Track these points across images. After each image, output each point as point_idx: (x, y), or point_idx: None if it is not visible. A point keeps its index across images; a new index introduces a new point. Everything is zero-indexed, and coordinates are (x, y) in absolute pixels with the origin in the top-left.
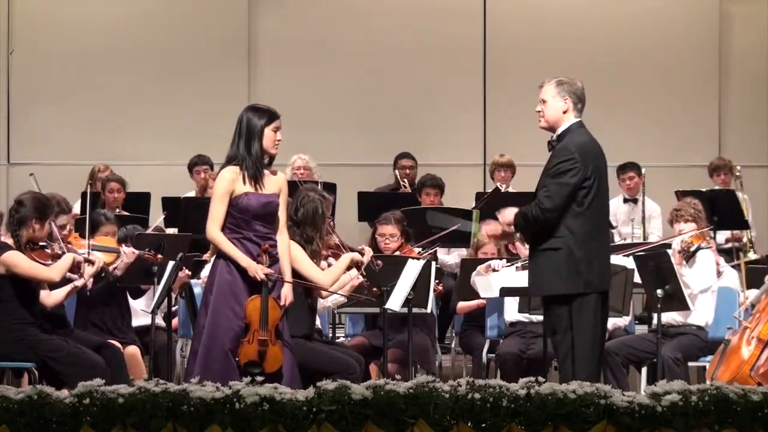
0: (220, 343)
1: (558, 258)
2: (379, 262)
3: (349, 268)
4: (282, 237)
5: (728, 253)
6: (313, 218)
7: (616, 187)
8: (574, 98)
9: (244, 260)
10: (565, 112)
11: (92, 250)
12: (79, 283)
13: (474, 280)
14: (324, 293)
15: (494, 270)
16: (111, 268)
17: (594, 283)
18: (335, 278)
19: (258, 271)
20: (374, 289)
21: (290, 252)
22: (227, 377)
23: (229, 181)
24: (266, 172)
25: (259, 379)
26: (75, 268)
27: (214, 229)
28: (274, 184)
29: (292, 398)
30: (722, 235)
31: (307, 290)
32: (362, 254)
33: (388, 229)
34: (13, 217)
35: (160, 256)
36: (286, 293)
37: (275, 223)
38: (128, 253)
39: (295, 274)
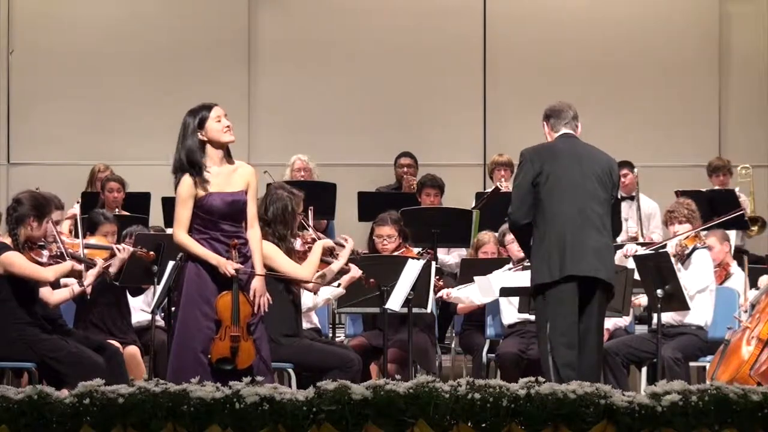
0: (191, 347)
1: (532, 253)
2: (359, 249)
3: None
4: (253, 230)
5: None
6: (284, 216)
7: None
8: (546, 120)
9: (214, 258)
10: (548, 133)
11: (85, 248)
12: (77, 288)
13: (464, 290)
14: (311, 286)
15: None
16: (105, 264)
17: (559, 269)
18: (314, 269)
19: (228, 266)
20: (371, 280)
21: (264, 248)
22: (200, 380)
23: (190, 185)
24: (232, 167)
25: (259, 378)
26: (76, 274)
27: (180, 232)
28: (241, 179)
29: (292, 398)
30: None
31: (287, 287)
32: (345, 245)
33: (386, 230)
34: (11, 215)
35: (152, 253)
36: (256, 286)
37: (243, 221)
38: (123, 249)
39: (274, 271)
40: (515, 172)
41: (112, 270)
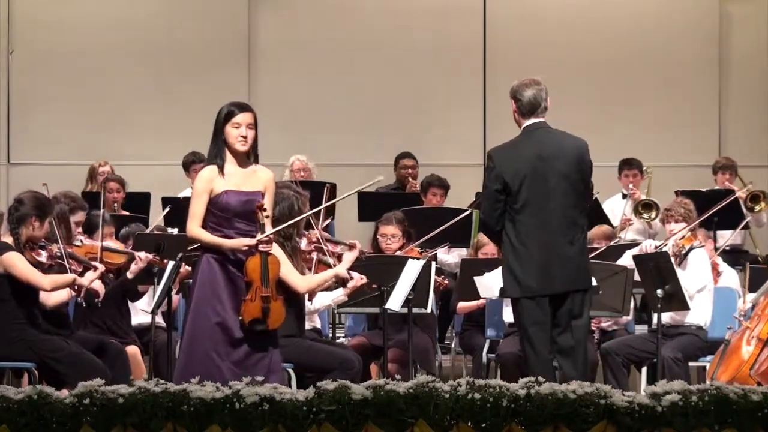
0: (202, 345)
1: (503, 264)
2: (366, 250)
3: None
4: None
5: (729, 253)
6: (290, 215)
7: (616, 183)
8: (516, 102)
9: (229, 242)
10: (514, 112)
11: (104, 250)
12: (81, 281)
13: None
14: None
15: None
16: (108, 270)
17: (532, 287)
18: (312, 287)
19: (244, 240)
20: (374, 286)
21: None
22: (210, 379)
23: (207, 180)
24: (250, 169)
25: (259, 378)
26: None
27: (193, 226)
28: (258, 181)
29: (292, 398)
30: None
31: (291, 289)
32: (352, 248)
33: (390, 230)
34: (13, 215)
35: (166, 261)
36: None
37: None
38: (143, 258)
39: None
40: (485, 174)
41: (130, 275)
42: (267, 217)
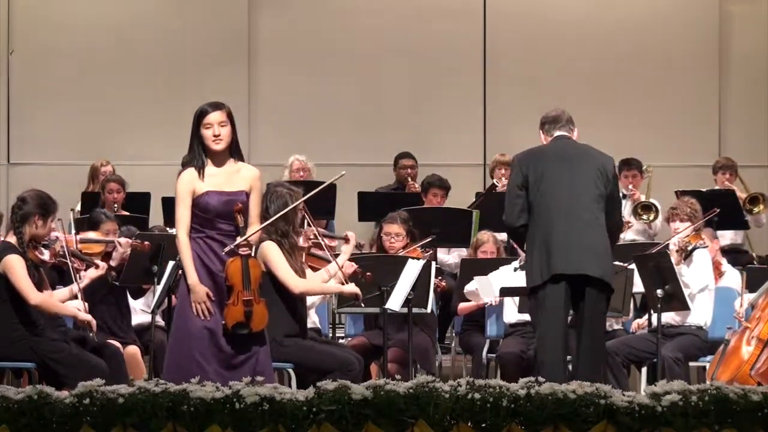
0: (188, 346)
1: (526, 256)
2: (363, 242)
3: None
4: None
5: (728, 253)
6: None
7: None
8: (542, 127)
9: (191, 279)
10: (544, 139)
11: (82, 242)
12: (75, 288)
13: (473, 283)
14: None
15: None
16: (106, 267)
17: (544, 272)
18: (308, 291)
19: (201, 301)
20: (368, 273)
21: (267, 249)
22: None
23: (187, 183)
24: (233, 168)
25: (259, 378)
26: (74, 271)
27: (180, 233)
28: (242, 180)
29: (292, 398)
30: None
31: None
32: (347, 240)
33: (394, 228)
34: (16, 213)
35: (147, 243)
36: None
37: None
38: (123, 243)
39: (271, 276)
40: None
41: (113, 263)
42: (245, 219)
